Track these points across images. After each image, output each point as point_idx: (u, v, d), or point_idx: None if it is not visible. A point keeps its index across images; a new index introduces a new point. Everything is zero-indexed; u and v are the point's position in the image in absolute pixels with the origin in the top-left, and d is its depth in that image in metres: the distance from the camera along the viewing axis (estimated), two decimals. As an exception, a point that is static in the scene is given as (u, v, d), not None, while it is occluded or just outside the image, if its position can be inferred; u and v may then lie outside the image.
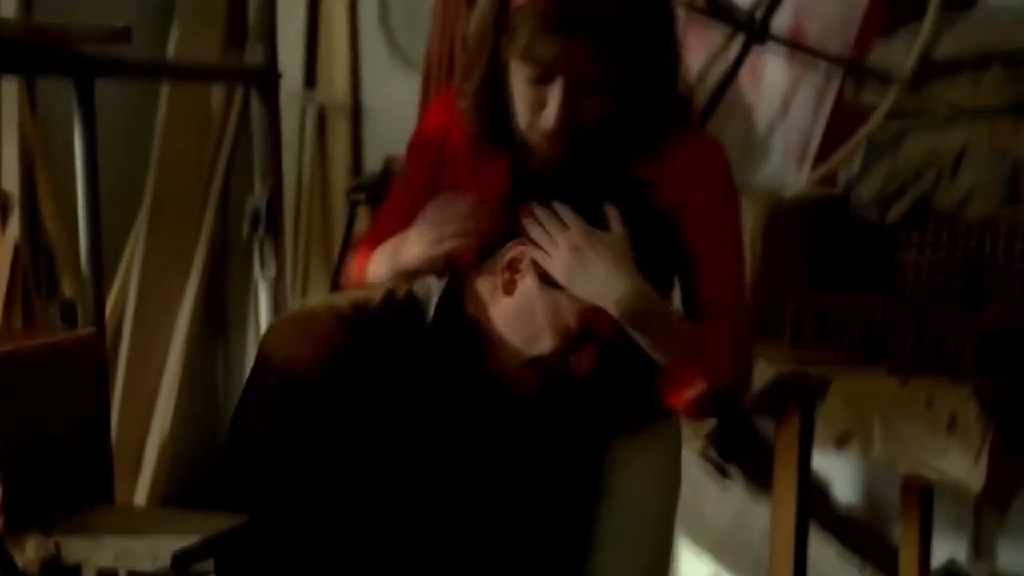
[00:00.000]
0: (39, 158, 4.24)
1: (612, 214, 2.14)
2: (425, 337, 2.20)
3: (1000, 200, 3.68)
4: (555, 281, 2.14)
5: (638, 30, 2.14)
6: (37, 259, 4.12)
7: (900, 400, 3.41)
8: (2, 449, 2.05)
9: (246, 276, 5.47)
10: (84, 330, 2.37)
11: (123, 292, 5.16)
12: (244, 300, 5.49)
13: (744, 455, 4.28)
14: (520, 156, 2.28)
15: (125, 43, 2.40)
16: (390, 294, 2.23)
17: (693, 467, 4.02)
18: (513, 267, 2.18)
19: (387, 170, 3.97)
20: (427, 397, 2.19)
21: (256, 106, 2.90)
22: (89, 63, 2.44)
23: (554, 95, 2.14)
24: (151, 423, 5.18)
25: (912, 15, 3.91)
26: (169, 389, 5.30)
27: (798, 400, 3.68)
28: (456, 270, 2.25)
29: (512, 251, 2.18)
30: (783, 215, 3.91)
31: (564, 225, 2.12)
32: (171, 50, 4.97)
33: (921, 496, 3.78)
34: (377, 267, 2.29)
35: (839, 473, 4.21)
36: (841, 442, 3.50)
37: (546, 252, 2.13)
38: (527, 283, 2.17)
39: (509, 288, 2.18)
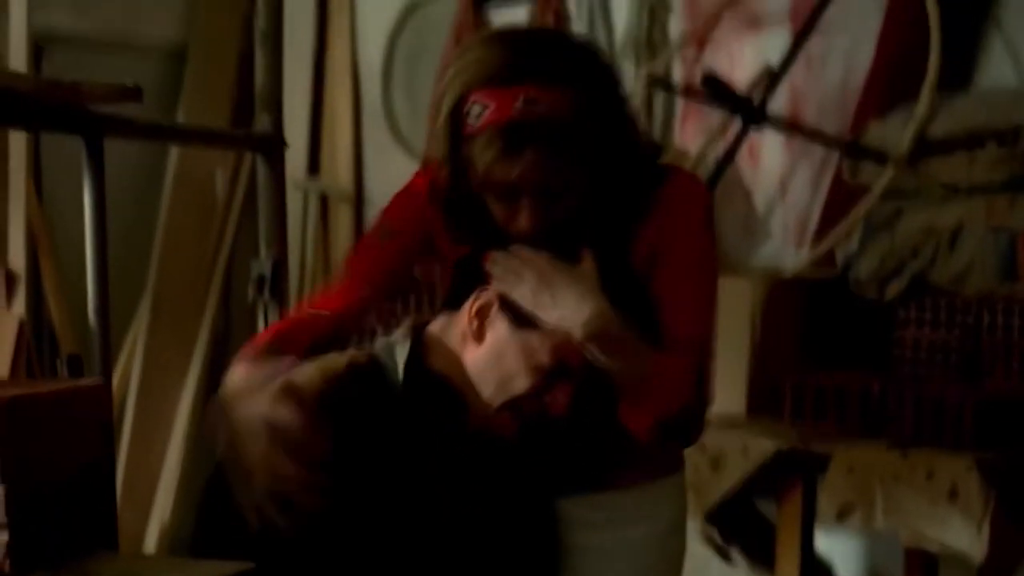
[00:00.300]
0: (43, 240, 4.30)
1: (586, 254, 2.17)
2: (396, 398, 2.21)
3: (996, 276, 3.72)
4: (526, 321, 2.17)
5: (591, 125, 2.17)
6: (40, 336, 4.14)
7: (901, 472, 3.42)
8: (9, 493, 2.06)
9: (248, 363, 5.49)
10: (91, 378, 2.38)
11: (125, 380, 5.19)
12: (246, 387, 5.49)
13: (746, 535, 4.27)
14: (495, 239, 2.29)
15: (136, 102, 2.45)
16: (354, 361, 2.23)
17: (697, 547, 4.02)
18: (483, 314, 2.19)
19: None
20: (405, 455, 2.20)
21: (262, 171, 2.93)
22: (99, 121, 2.48)
23: (524, 208, 2.17)
24: (152, 510, 5.17)
25: (905, 98, 3.97)
26: (170, 476, 5.30)
27: (800, 474, 3.68)
28: (418, 328, 2.27)
29: (481, 299, 2.19)
30: (781, 293, 3.95)
31: (529, 258, 2.16)
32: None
33: (924, 570, 3.76)
34: (245, 375, 2.14)
35: (841, 551, 4.20)
36: (843, 515, 3.50)
37: (511, 284, 2.16)
38: (497, 328, 2.18)
39: (479, 335, 2.19)
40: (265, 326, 2.91)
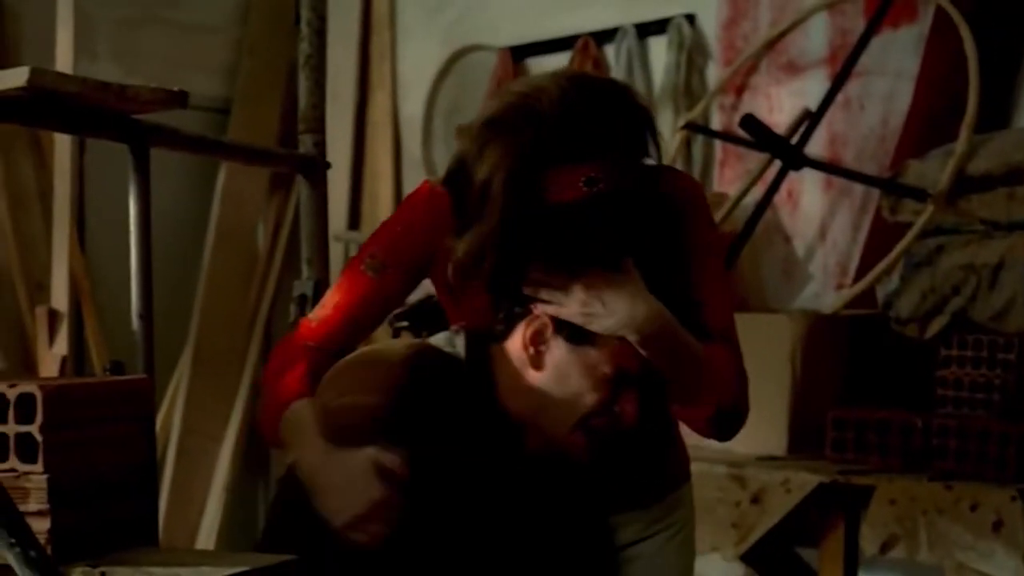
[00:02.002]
0: (84, 283, 4.35)
1: (626, 262, 2.17)
2: (463, 390, 2.20)
3: (1039, 312, 3.71)
4: (582, 338, 2.15)
5: (643, 181, 2.16)
6: (82, 374, 4.19)
7: (945, 504, 3.39)
8: (51, 481, 2.06)
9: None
10: (136, 376, 2.39)
11: (166, 429, 5.21)
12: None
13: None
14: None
15: (181, 107, 2.49)
16: (416, 353, 2.22)
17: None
18: (537, 340, 2.17)
19: (428, 299, 4.02)
20: (473, 469, 2.18)
21: (304, 192, 2.96)
22: (145, 130, 2.52)
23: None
24: (190, 559, 5.16)
25: (944, 139, 3.98)
26: (209, 530, 5.30)
27: (842, 509, 3.66)
28: (479, 343, 2.25)
29: (533, 325, 2.16)
30: (822, 330, 3.94)
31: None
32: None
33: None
34: (300, 444, 2.17)
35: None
36: (887, 548, 3.47)
37: (559, 302, 2.15)
38: (555, 352, 2.16)
39: (536, 363, 2.17)
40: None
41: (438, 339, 2.26)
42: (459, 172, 2.16)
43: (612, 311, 2.13)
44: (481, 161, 2.10)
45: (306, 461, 2.16)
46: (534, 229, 2.08)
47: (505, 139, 2.09)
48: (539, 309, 2.17)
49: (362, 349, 2.26)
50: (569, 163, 2.07)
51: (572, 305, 2.14)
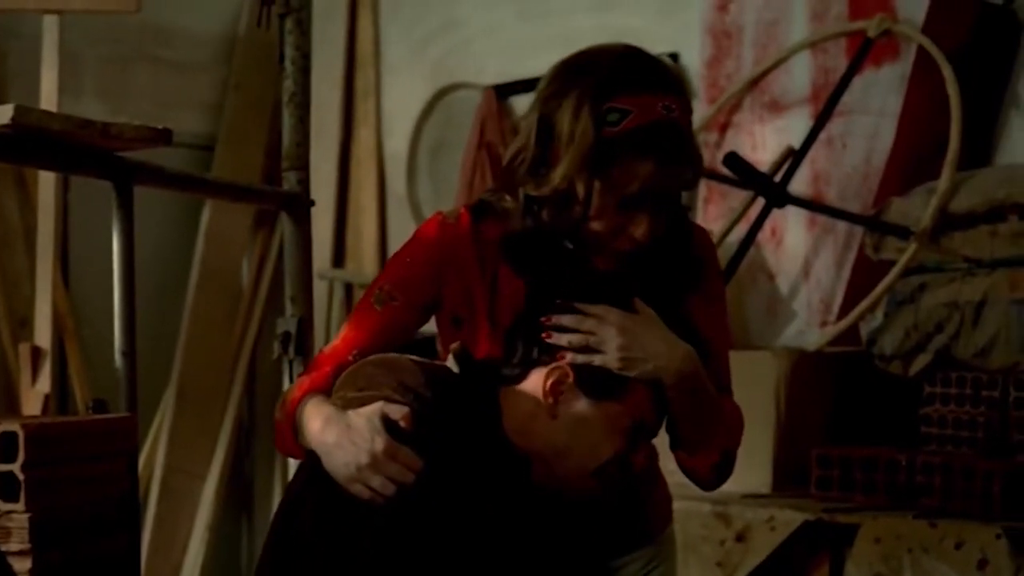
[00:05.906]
0: (67, 320, 4.34)
1: (638, 303, 2.16)
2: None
3: (1021, 349, 3.71)
4: (600, 391, 2.13)
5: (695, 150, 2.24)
6: (65, 412, 4.18)
7: (929, 542, 3.39)
8: (33, 520, 2.06)
9: (271, 454, 5.50)
10: (119, 414, 2.39)
11: (149, 467, 5.19)
12: (269, 478, 5.50)
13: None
14: (546, 274, 2.28)
15: (166, 145, 2.49)
16: (432, 363, 2.21)
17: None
18: (557, 389, 2.14)
19: (417, 339, 4.01)
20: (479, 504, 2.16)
21: (288, 229, 2.96)
22: (129, 168, 2.52)
23: (642, 216, 2.16)
24: (174, 598, 5.15)
25: (927, 177, 4.00)
26: (191, 569, 5.28)
27: (827, 547, 3.65)
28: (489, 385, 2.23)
29: (554, 375, 2.13)
30: (806, 368, 3.94)
31: (599, 316, 2.14)
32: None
33: (954, 644, 3.71)
34: (312, 419, 2.15)
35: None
36: (872, 586, 3.47)
37: (592, 349, 2.14)
38: (573, 404, 2.13)
39: (554, 412, 2.14)
40: (291, 383, 2.90)
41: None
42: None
43: (652, 355, 2.13)
44: (560, 105, 2.15)
45: (314, 426, 2.13)
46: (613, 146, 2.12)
47: (580, 78, 2.16)
48: (570, 358, 2.15)
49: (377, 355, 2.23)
50: (651, 90, 2.14)
51: (611, 352, 2.14)
